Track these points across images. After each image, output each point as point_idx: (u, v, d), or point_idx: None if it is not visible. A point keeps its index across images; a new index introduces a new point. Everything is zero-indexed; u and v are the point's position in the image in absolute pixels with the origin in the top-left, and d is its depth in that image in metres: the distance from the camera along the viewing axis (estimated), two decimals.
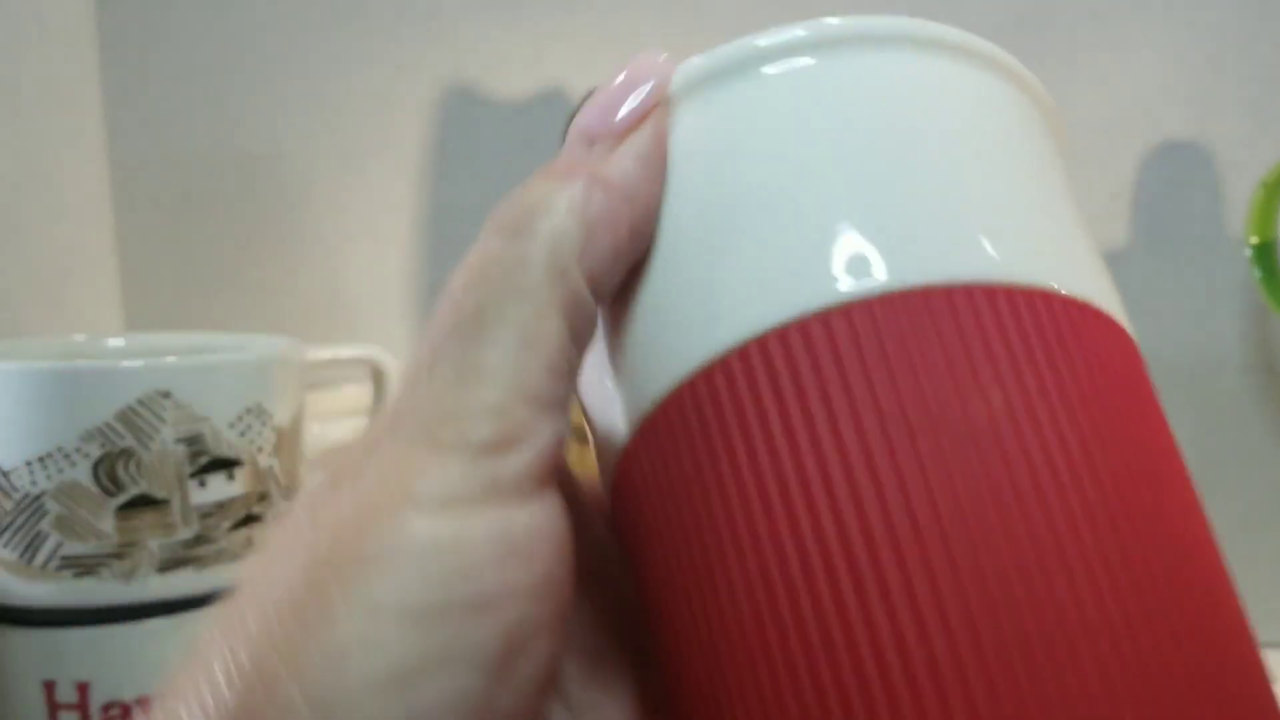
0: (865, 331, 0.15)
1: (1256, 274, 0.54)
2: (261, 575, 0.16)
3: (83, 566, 0.37)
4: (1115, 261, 0.60)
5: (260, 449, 0.39)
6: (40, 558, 0.37)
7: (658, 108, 0.18)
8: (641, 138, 0.17)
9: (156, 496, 0.37)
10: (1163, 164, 0.60)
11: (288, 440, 0.41)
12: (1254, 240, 0.53)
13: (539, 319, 0.16)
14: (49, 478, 0.36)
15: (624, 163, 0.17)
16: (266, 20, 0.72)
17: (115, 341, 0.47)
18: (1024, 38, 0.60)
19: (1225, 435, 0.60)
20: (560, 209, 0.17)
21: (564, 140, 0.18)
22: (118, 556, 0.37)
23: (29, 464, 0.36)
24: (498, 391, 0.16)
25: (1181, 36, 0.59)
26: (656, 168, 0.17)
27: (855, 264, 0.15)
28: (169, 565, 0.38)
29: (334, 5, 0.71)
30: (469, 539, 0.15)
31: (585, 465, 0.20)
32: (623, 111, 0.18)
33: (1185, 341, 0.60)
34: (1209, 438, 0.60)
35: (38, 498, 0.36)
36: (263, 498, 0.40)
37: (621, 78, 0.18)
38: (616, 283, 0.17)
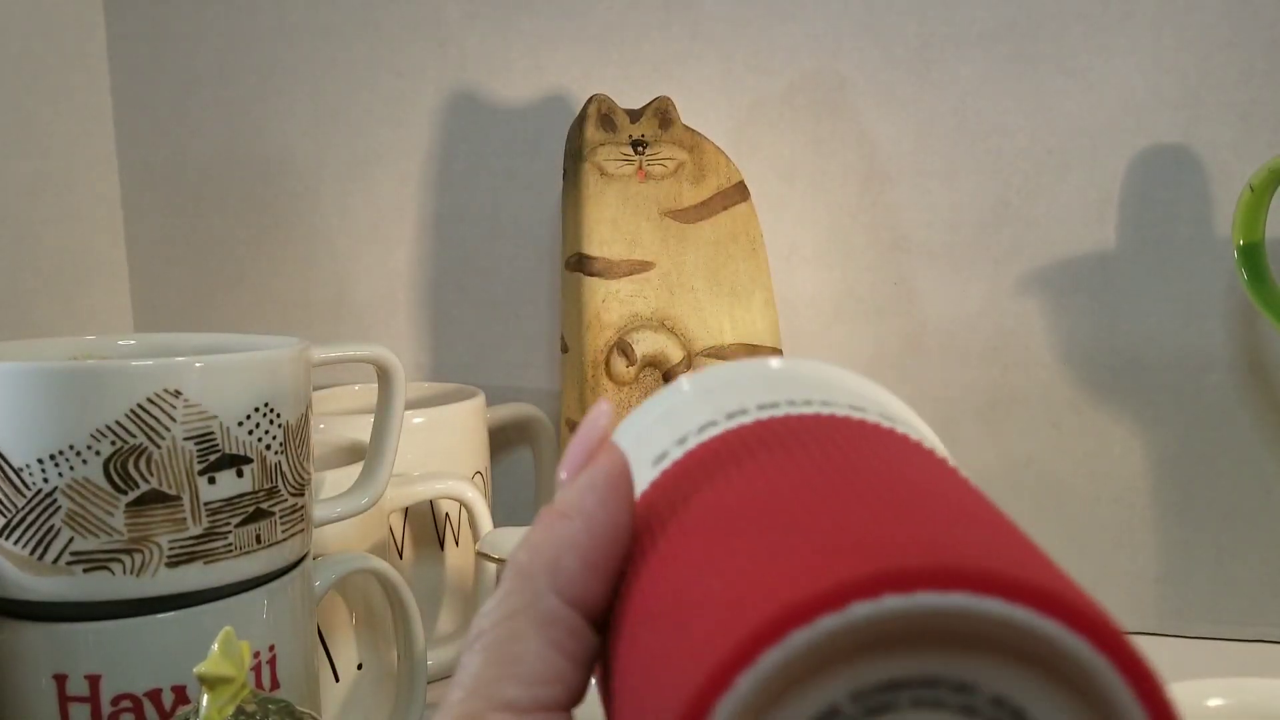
0: None
1: (1243, 275, 0.54)
2: None
3: (94, 562, 0.37)
4: (1104, 264, 0.61)
5: (269, 446, 0.40)
6: (52, 553, 0.37)
7: (604, 444, 0.21)
8: (588, 471, 0.21)
9: (167, 493, 0.37)
10: (1151, 167, 0.60)
11: (296, 437, 0.41)
12: (1241, 242, 0.53)
13: (512, 639, 0.19)
14: (61, 475, 0.36)
15: (569, 493, 0.20)
16: (274, 28, 0.73)
17: (126, 342, 0.47)
18: (1014, 42, 0.61)
19: (1213, 434, 0.60)
20: (525, 544, 0.20)
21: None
22: (128, 552, 0.37)
23: (41, 461, 0.36)
24: (466, 697, 0.19)
25: (1170, 41, 0.59)
26: (605, 491, 0.20)
27: None
28: (179, 560, 0.38)
29: (341, 14, 0.72)
30: None
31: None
32: (571, 456, 0.21)
33: (1173, 342, 0.60)
34: (1197, 436, 0.61)
35: (50, 494, 0.36)
36: (271, 493, 0.40)
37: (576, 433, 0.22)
38: (602, 594, 0.20)
